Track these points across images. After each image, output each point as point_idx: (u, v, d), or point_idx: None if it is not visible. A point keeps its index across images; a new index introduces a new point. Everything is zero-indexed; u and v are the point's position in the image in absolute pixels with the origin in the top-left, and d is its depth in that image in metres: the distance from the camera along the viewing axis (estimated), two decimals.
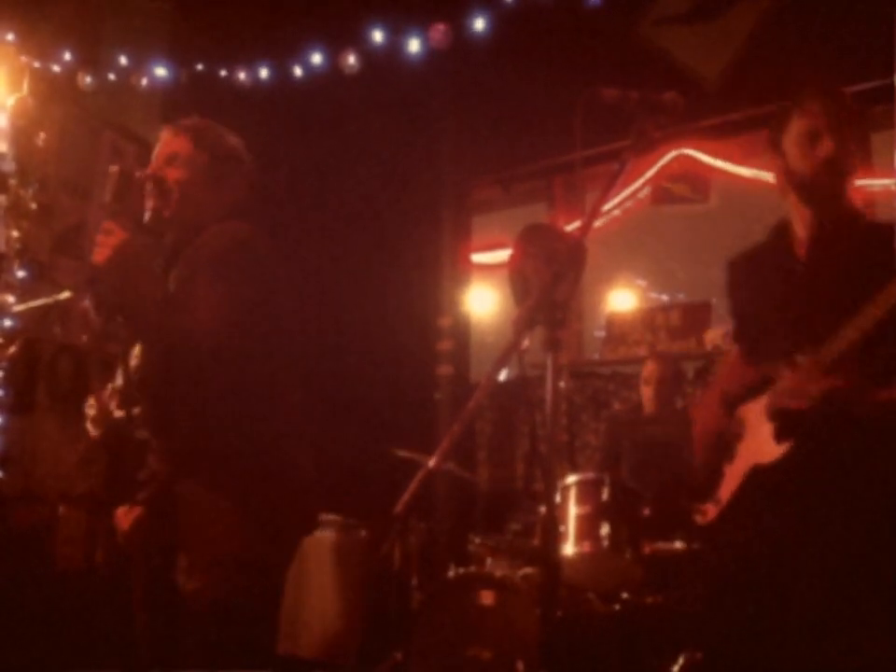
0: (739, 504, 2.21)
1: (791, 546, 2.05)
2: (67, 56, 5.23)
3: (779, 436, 2.09)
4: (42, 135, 4.82)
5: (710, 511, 2.31)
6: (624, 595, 3.39)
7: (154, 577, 2.17)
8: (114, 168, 2.12)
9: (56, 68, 5.20)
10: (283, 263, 2.19)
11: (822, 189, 2.16)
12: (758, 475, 2.14)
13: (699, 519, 2.36)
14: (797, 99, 2.23)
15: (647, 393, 4.16)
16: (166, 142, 2.26)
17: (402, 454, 3.88)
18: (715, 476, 2.32)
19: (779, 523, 2.08)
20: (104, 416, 2.65)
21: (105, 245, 2.00)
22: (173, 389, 2.09)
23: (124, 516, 2.22)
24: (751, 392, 2.28)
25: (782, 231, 2.31)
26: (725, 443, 2.31)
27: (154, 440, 2.20)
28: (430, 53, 5.05)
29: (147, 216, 2.19)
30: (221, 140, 2.31)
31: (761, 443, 2.15)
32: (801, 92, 2.21)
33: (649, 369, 4.18)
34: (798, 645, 2.03)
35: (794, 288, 2.21)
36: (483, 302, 6.07)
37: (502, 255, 5.36)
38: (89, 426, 2.95)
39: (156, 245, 2.23)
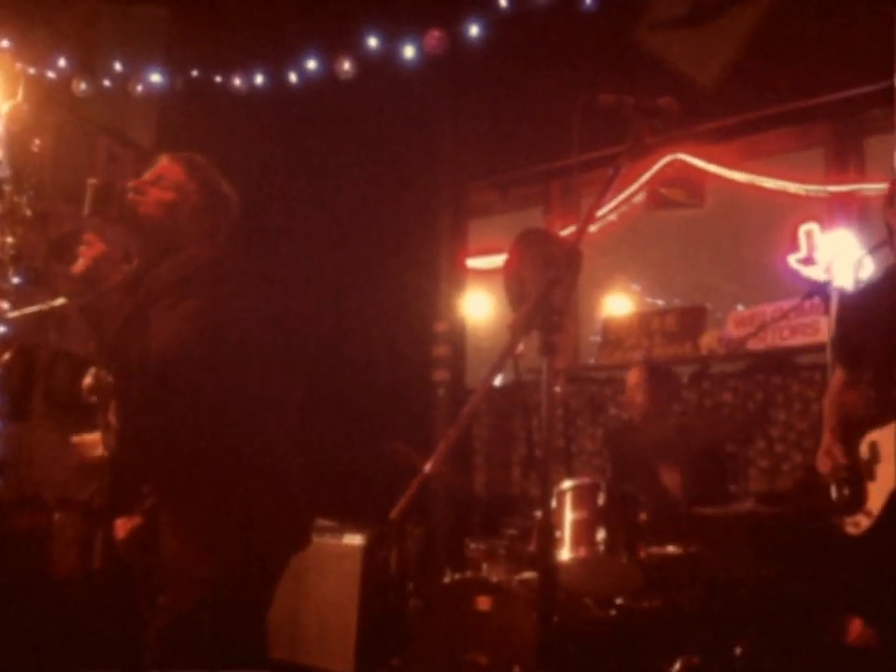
0: (889, 518, 2.53)
1: None
2: (62, 62, 5.24)
3: None
4: (37, 142, 4.82)
5: (863, 521, 2.62)
6: (621, 600, 3.38)
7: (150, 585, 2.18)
8: (92, 181, 2.15)
9: (51, 74, 5.20)
10: (256, 281, 2.21)
11: None
12: None
13: (852, 529, 2.66)
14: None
15: (634, 400, 4.13)
16: (160, 166, 2.29)
17: (400, 448, 3.86)
18: (860, 494, 2.64)
19: None
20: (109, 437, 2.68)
21: (84, 255, 2.04)
22: (136, 410, 2.11)
23: (122, 526, 2.23)
24: (871, 420, 2.65)
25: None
26: (864, 466, 2.64)
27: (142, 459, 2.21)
28: (426, 59, 5.06)
29: (125, 223, 2.20)
30: (213, 177, 2.33)
31: None
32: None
33: (633, 377, 4.14)
34: None
35: None
36: (479, 307, 6.07)
37: (498, 260, 5.36)
38: (99, 445, 2.97)
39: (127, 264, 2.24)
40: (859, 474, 2.67)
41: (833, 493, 2.75)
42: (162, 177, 2.25)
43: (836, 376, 2.91)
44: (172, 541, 2.07)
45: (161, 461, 2.11)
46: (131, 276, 2.16)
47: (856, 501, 2.66)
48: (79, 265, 2.04)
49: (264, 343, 2.22)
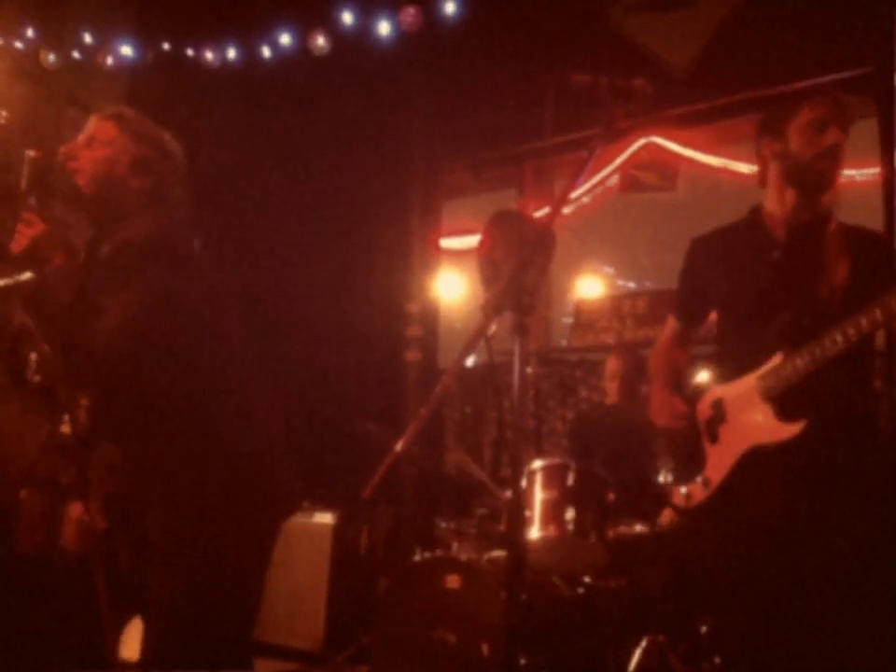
0: (737, 483, 2.23)
1: (807, 524, 2.09)
2: (30, 33, 5.13)
3: (788, 415, 2.13)
4: (4, 113, 4.72)
5: (697, 492, 2.33)
6: (588, 579, 3.43)
7: (123, 570, 2.16)
8: (30, 153, 2.05)
9: (19, 45, 5.10)
10: (209, 258, 2.15)
11: (819, 174, 2.25)
12: (758, 456, 2.17)
13: (681, 501, 2.37)
14: (807, 93, 2.35)
15: (612, 387, 4.21)
16: (91, 126, 2.20)
17: (371, 427, 3.87)
18: (695, 459, 2.35)
19: (793, 500, 2.11)
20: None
21: (22, 234, 1.96)
22: (96, 393, 2.08)
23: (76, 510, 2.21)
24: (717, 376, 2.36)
25: (755, 215, 2.38)
26: (704, 426, 2.35)
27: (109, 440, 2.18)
28: (401, 36, 5.02)
29: (63, 195, 2.12)
30: (148, 128, 2.23)
31: (758, 424, 2.19)
32: (811, 89, 2.42)
33: (613, 364, 4.22)
34: (808, 626, 2.08)
35: (772, 266, 2.27)
36: (451, 288, 6.08)
37: (471, 240, 5.36)
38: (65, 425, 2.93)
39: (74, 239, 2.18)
40: (693, 437, 2.37)
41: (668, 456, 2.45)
42: (94, 138, 2.16)
43: (668, 327, 2.63)
44: (154, 526, 2.05)
45: (131, 448, 2.09)
46: (76, 261, 2.08)
47: (690, 467, 2.37)
48: (16, 245, 1.96)
49: (217, 324, 2.15)
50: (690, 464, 2.37)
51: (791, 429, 2.11)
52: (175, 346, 2.01)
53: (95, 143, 2.16)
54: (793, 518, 2.11)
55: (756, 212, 2.39)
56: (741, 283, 2.32)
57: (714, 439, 2.32)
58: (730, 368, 2.32)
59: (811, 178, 2.26)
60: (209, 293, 2.14)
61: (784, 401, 2.14)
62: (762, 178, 2.38)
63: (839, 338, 2.02)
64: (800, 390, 2.11)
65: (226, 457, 2.06)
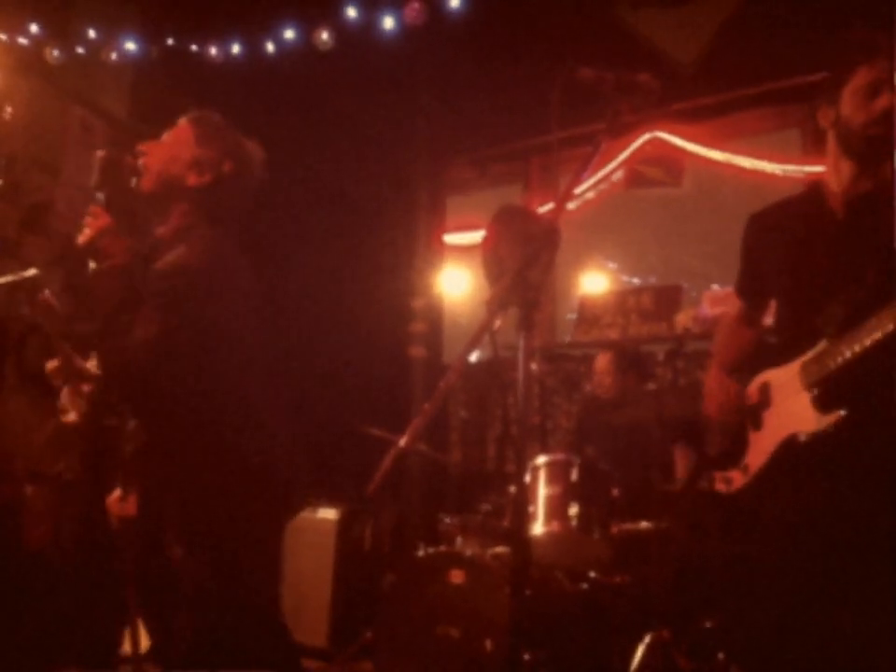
0: (774, 472, 2.16)
1: (835, 517, 2.02)
2: (35, 29, 5.13)
3: (824, 406, 2.04)
4: (9, 110, 4.73)
5: (737, 478, 2.26)
6: (592, 574, 3.43)
7: (146, 558, 2.19)
8: (100, 153, 2.13)
9: (24, 41, 5.09)
10: (245, 275, 2.20)
11: (873, 141, 2.08)
12: (796, 445, 2.09)
13: (723, 486, 2.30)
14: (865, 55, 2.14)
15: (604, 382, 4.20)
16: (173, 128, 2.28)
17: (374, 432, 3.88)
18: (738, 444, 2.28)
19: (823, 493, 2.04)
20: (80, 400, 2.65)
21: (91, 226, 2.03)
22: (132, 393, 2.13)
23: (118, 503, 2.25)
24: (766, 357, 2.26)
25: (815, 189, 2.25)
26: (748, 411, 2.27)
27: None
28: (405, 30, 5.01)
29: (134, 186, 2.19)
30: (222, 132, 2.30)
31: (797, 412, 2.10)
32: (870, 47, 2.13)
33: (601, 363, 4.23)
34: (841, 613, 2.01)
35: (830, 242, 2.14)
36: (456, 284, 6.07)
37: (476, 236, 5.35)
38: (68, 409, 2.93)
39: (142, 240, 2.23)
40: (742, 422, 2.30)
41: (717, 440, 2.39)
42: (168, 136, 2.25)
43: (734, 307, 2.50)
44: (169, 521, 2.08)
45: (158, 445, 2.13)
46: (130, 258, 2.14)
47: (734, 453, 2.29)
48: (84, 236, 2.04)
49: (252, 332, 2.22)
50: (734, 449, 2.29)
51: (825, 420, 2.03)
52: (200, 360, 2.06)
53: (166, 140, 2.24)
54: (820, 512, 2.04)
55: (816, 185, 2.24)
56: (796, 261, 2.19)
57: (758, 424, 2.24)
58: (784, 350, 2.20)
59: (864, 147, 2.10)
60: (240, 307, 2.18)
61: (824, 390, 2.05)
62: (830, 155, 2.20)
63: (881, 326, 1.91)
64: (841, 379, 2.01)
65: (235, 457, 2.08)
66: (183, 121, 2.28)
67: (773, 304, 2.38)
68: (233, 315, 2.14)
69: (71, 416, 3.09)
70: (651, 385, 4.39)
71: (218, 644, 1.99)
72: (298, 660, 2.30)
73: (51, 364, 3.04)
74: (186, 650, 2.01)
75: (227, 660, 1.96)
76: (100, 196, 2.10)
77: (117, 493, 2.33)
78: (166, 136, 2.27)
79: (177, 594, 2.04)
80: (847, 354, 1.98)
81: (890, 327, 1.90)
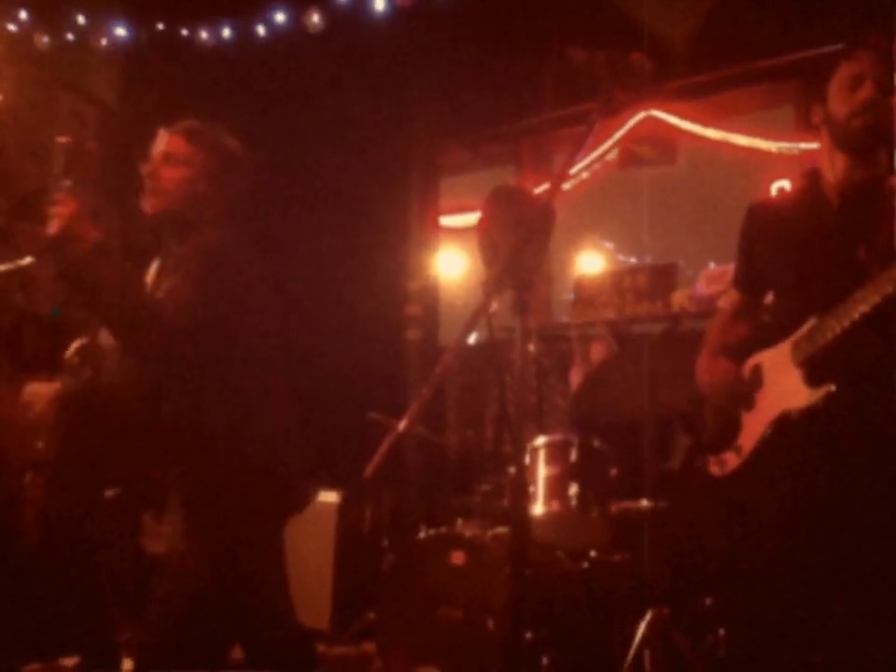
0: (767, 451, 2.19)
1: (830, 492, 2.04)
2: (24, 15, 5.09)
3: (815, 381, 2.07)
4: None
5: (731, 460, 2.28)
6: (592, 554, 3.45)
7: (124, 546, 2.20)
8: (62, 139, 2.12)
9: (13, 28, 5.06)
10: (258, 264, 2.26)
11: (858, 131, 2.12)
12: (787, 423, 2.13)
13: (717, 469, 2.32)
14: (847, 48, 2.20)
15: (601, 367, 4.22)
16: (162, 143, 2.27)
17: (373, 416, 3.89)
18: (731, 426, 2.30)
19: (816, 470, 2.06)
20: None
21: (57, 215, 2.00)
22: (147, 374, 2.14)
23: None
24: (758, 341, 2.28)
25: (812, 179, 2.27)
26: (741, 393, 2.29)
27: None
28: (396, 12, 4.98)
29: (147, 210, 2.23)
30: (218, 139, 2.33)
31: (788, 390, 2.13)
32: (851, 42, 2.19)
33: (597, 349, 4.23)
34: (836, 594, 2.04)
35: (824, 232, 2.17)
36: (451, 266, 6.06)
37: (470, 218, 5.34)
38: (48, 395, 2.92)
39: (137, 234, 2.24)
40: (734, 403, 2.31)
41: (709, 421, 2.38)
42: (170, 155, 2.24)
43: (730, 299, 2.53)
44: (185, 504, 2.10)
45: (169, 426, 2.13)
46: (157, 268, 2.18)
47: (727, 435, 2.31)
48: (53, 225, 2.01)
49: (265, 320, 2.25)
50: (727, 430, 2.31)
51: (815, 394, 2.05)
52: (228, 337, 2.09)
53: (172, 161, 2.24)
54: (816, 488, 2.05)
55: (813, 176, 2.28)
56: (794, 253, 2.22)
57: (750, 405, 2.26)
58: (776, 333, 2.23)
59: (853, 138, 2.14)
60: (256, 293, 2.23)
61: (814, 366, 2.08)
62: (822, 149, 2.25)
63: (867, 299, 1.94)
64: (831, 354, 2.04)
65: (236, 451, 2.09)
66: (174, 135, 2.29)
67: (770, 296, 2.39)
68: (249, 303, 2.17)
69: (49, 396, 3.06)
70: (646, 365, 4.39)
71: (211, 640, 1.99)
72: (310, 652, 2.30)
73: (74, 346, 3.01)
74: (169, 647, 2.01)
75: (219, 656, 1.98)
76: (66, 183, 2.08)
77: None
78: (162, 153, 2.26)
79: (166, 587, 2.04)
80: (837, 328, 2.01)
81: (876, 298, 1.93)
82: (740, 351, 2.35)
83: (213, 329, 2.03)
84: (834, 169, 2.20)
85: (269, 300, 2.27)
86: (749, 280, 2.43)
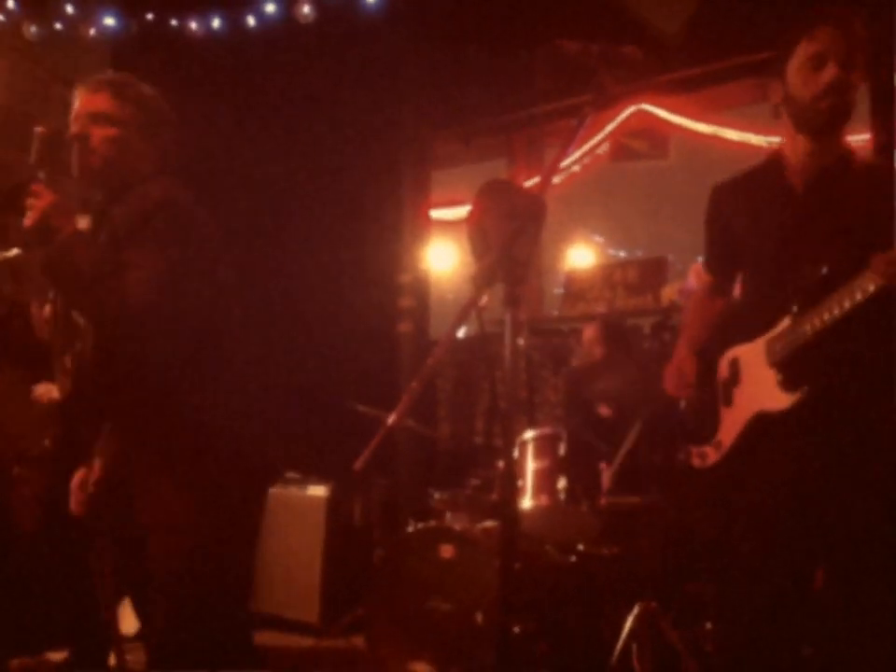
0: (745, 449, 2.19)
1: (806, 489, 2.05)
2: (12, 5, 5.05)
3: (789, 383, 2.07)
4: None
5: (711, 454, 2.28)
6: (581, 547, 3.46)
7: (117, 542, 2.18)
8: (38, 129, 2.07)
9: (1, 18, 5.02)
10: (211, 218, 2.14)
11: (821, 115, 2.07)
12: (764, 423, 2.13)
13: (697, 462, 2.32)
14: (806, 24, 2.09)
15: (592, 352, 4.22)
16: (85, 100, 2.18)
17: (362, 409, 3.89)
18: (711, 419, 2.29)
19: (792, 467, 2.07)
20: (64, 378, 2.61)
21: (34, 207, 1.97)
22: (111, 356, 2.06)
23: (79, 479, 2.22)
24: (735, 326, 2.27)
25: (775, 160, 2.24)
26: (721, 386, 2.27)
27: (105, 407, 2.18)
28: (388, 3, 4.95)
29: (75, 174, 2.13)
30: (142, 91, 2.23)
31: (764, 390, 2.13)
32: (811, 18, 2.09)
33: (589, 332, 4.24)
34: (810, 593, 2.06)
35: (790, 217, 2.15)
36: (442, 259, 6.06)
37: (462, 211, 5.34)
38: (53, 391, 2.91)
39: (86, 206, 2.18)
40: (713, 397, 2.30)
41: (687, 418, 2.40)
42: (97, 114, 2.15)
43: (702, 281, 2.50)
44: (146, 490, 2.06)
45: (132, 406, 2.08)
46: (88, 226, 2.11)
47: (706, 430, 2.30)
48: (29, 218, 1.98)
49: (232, 287, 2.18)
50: (707, 424, 2.30)
51: (789, 399, 2.06)
52: (195, 305, 2.02)
53: (102, 119, 2.15)
54: (793, 486, 2.07)
55: (776, 156, 2.23)
56: (758, 232, 2.19)
57: (729, 401, 2.25)
58: (750, 324, 2.20)
59: (817, 121, 2.08)
60: (218, 257, 2.15)
61: (788, 368, 2.08)
62: (785, 130, 2.19)
63: (839, 304, 1.94)
64: (803, 357, 2.04)
65: (200, 427, 2.05)
66: (96, 92, 2.18)
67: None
68: (206, 254, 2.10)
69: (54, 394, 3.07)
70: (636, 358, 4.40)
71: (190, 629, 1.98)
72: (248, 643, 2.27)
73: (45, 311, 2.97)
74: (159, 633, 2.00)
75: (198, 647, 1.96)
76: (41, 175, 2.04)
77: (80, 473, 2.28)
78: (87, 112, 2.15)
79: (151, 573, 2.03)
80: (809, 332, 2.02)
81: (847, 304, 1.93)
82: (720, 333, 2.34)
83: (184, 299, 1.98)
84: (797, 150, 2.16)
85: (223, 256, 2.18)
86: (719, 259, 2.40)
